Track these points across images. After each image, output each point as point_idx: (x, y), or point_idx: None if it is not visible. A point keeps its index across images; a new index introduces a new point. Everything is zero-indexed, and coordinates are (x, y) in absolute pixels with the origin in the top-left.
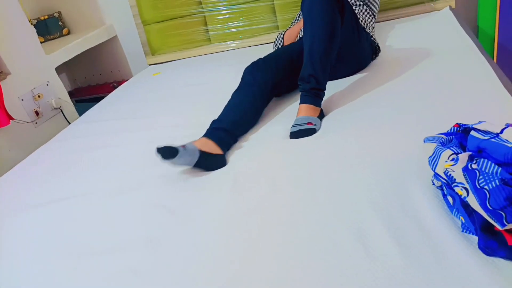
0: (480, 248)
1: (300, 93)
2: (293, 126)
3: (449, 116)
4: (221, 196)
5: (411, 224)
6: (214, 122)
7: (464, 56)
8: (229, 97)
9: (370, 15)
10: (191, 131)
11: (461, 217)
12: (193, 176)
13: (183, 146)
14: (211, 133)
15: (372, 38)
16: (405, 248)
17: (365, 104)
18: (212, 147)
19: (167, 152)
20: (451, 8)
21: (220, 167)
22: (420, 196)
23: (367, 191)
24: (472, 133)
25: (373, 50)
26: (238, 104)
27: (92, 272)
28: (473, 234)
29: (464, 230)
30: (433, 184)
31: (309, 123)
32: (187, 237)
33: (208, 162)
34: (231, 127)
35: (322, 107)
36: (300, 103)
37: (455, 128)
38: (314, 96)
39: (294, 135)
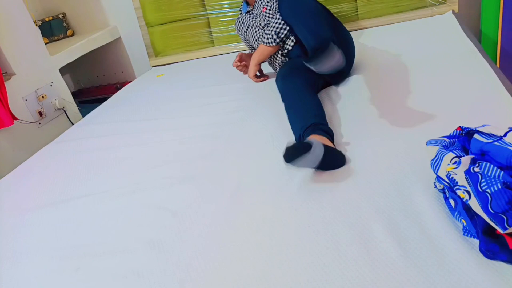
0: (481, 251)
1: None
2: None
3: (452, 119)
4: (224, 199)
5: (412, 227)
6: (307, 124)
7: (467, 60)
8: (232, 99)
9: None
10: (196, 133)
11: (462, 220)
12: (197, 179)
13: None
14: (314, 130)
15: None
16: (407, 250)
17: (366, 107)
18: (327, 141)
19: (300, 148)
20: (454, 12)
21: (343, 165)
22: (422, 199)
23: (369, 194)
24: (476, 136)
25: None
26: (304, 102)
27: (95, 274)
28: (474, 237)
29: (466, 234)
30: (435, 187)
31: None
32: (189, 239)
33: (333, 159)
34: (322, 120)
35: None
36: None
37: (458, 131)
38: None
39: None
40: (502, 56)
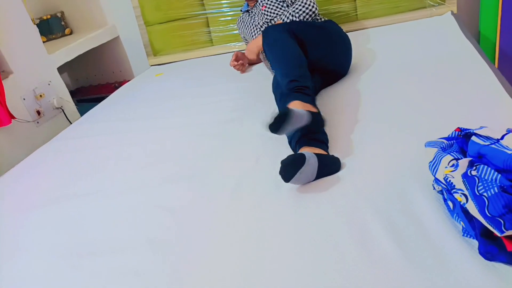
0: (480, 253)
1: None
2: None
3: (450, 121)
4: (222, 198)
5: (412, 228)
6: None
7: (466, 61)
8: (231, 99)
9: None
10: (194, 132)
11: (461, 222)
12: (195, 177)
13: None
14: (305, 142)
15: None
16: (406, 251)
17: (365, 109)
18: (319, 151)
19: (296, 161)
20: (453, 13)
21: (339, 170)
22: (421, 200)
23: (367, 194)
24: (473, 138)
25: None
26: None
27: (92, 272)
28: (473, 238)
29: (465, 235)
30: (434, 188)
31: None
32: (188, 238)
33: (329, 166)
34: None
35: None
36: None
37: (456, 132)
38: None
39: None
40: (500, 57)
